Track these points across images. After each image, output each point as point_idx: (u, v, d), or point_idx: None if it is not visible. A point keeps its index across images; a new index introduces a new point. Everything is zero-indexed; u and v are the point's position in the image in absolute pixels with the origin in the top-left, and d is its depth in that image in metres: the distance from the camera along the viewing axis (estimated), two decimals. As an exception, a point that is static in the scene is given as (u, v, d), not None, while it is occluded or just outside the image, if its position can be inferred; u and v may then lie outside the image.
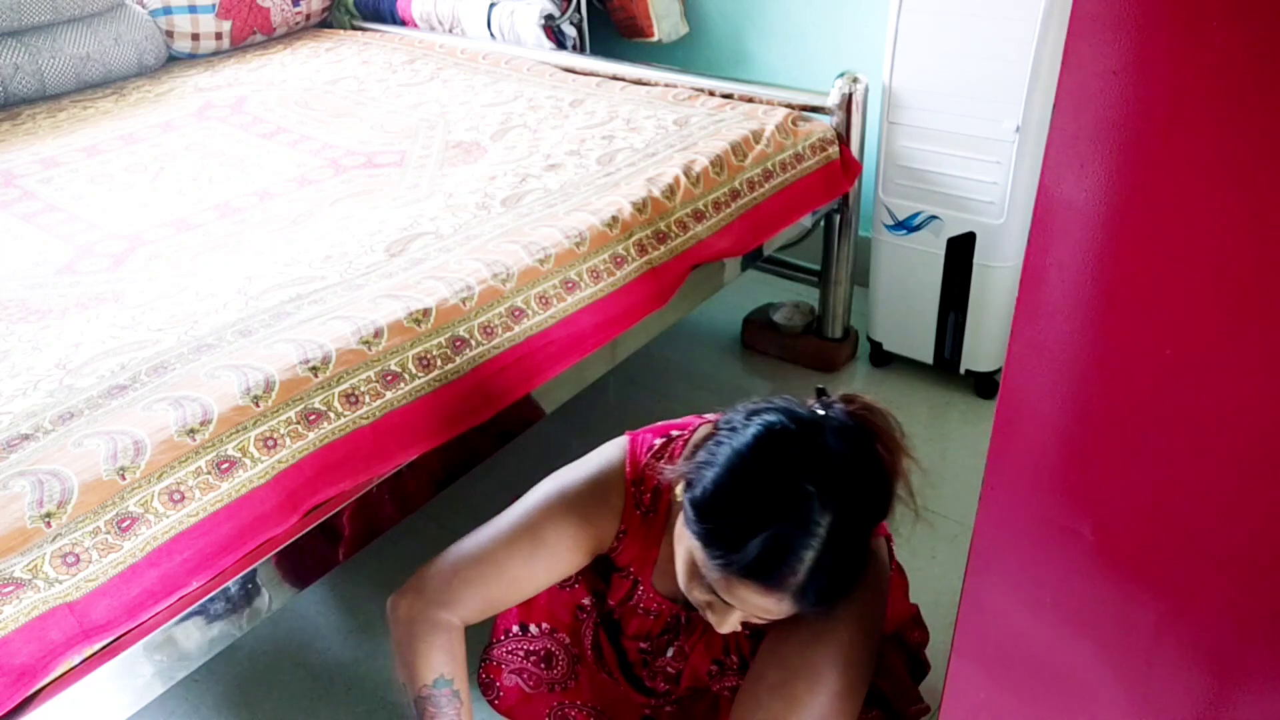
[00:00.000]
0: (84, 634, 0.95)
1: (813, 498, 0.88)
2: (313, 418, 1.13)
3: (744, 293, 2.44)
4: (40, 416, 1.09)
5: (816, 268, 2.19)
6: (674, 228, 1.59)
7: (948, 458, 1.91)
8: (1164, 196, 0.54)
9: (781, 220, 1.81)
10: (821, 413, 0.95)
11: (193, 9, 2.50)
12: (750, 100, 1.99)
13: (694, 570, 0.96)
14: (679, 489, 0.99)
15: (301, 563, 1.15)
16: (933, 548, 1.67)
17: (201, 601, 1.04)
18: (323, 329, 1.22)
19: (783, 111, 1.90)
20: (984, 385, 2.05)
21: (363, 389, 1.18)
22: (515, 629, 1.23)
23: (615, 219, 1.51)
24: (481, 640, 1.27)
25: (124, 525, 0.98)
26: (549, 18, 2.35)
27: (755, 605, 0.92)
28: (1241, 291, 0.53)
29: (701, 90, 2.06)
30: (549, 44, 2.37)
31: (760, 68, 2.52)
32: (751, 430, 0.93)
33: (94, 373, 1.17)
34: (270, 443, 1.09)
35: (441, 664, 1.08)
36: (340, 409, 1.15)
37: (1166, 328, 0.56)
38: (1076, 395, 0.63)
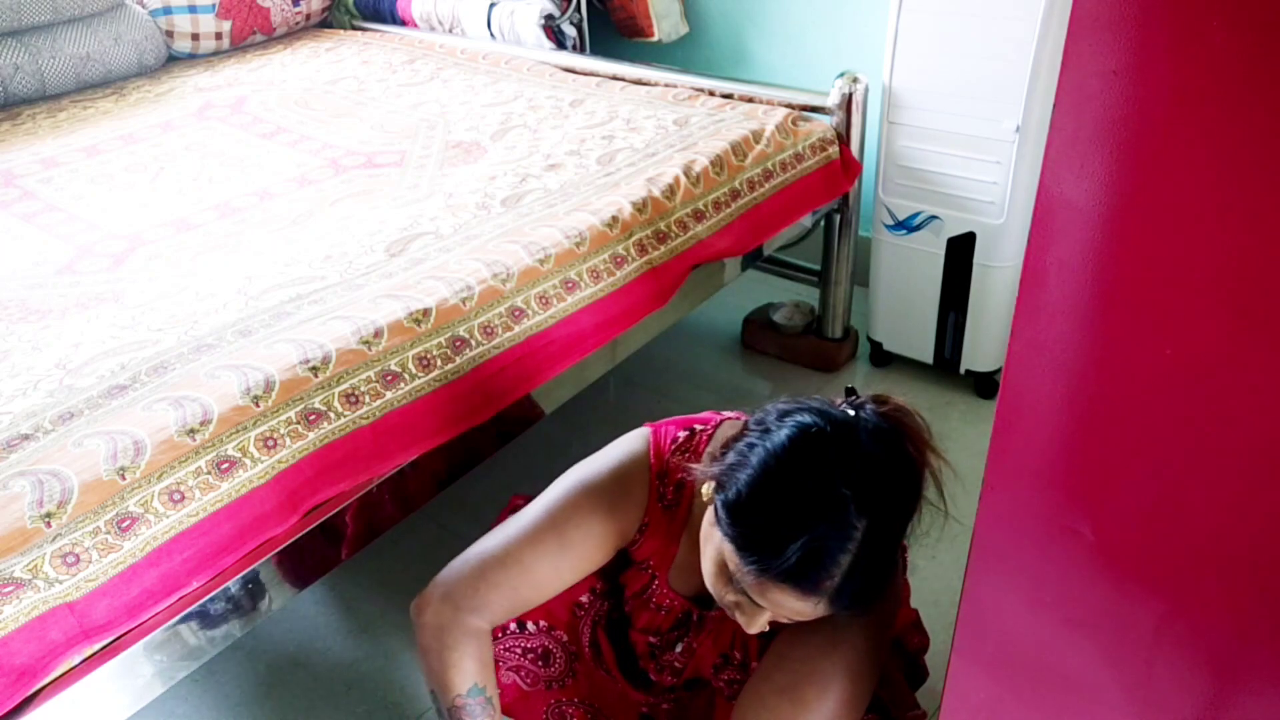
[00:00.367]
0: (84, 634, 0.95)
1: (849, 501, 0.87)
2: (313, 418, 1.13)
3: (744, 293, 2.44)
4: (40, 416, 1.09)
5: (816, 268, 2.19)
6: (674, 228, 1.59)
7: (948, 457, 1.91)
8: (1164, 196, 0.54)
9: (781, 220, 1.81)
10: (853, 414, 0.94)
11: (193, 9, 2.50)
12: (750, 100, 1.99)
13: (723, 571, 0.95)
14: (707, 488, 0.98)
15: (302, 563, 1.15)
16: (933, 548, 1.67)
17: (201, 601, 1.04)
18: (323, 329, 1.22)
19: (783, 111, 1.90)
20: (984, 385, 2.05)
21: (363, 389, 1.18)
22: (513, 627, 1.23)
23: (615, 219, 1.51)
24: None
25: (124, 525, 0.98)
26: (549, 18, 2.35)
27: (790, 608, 0.91)
28: (1241, 291, 0.53)
29: (701, 90, 2.06)
30: (549, 44, 2.37)
31: (760, 68, 2.52)
32: (785, 431, 0.91)
33: (94, 373, 1.17)
34: (270, 443, 1.09)
35: (475, 672, 1.06)
36: (340, 409, 1.15)
37: (1166, 328, 0.56)
38: (1076, 395, 0.63)
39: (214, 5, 2.52)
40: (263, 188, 1.73)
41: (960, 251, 1.90)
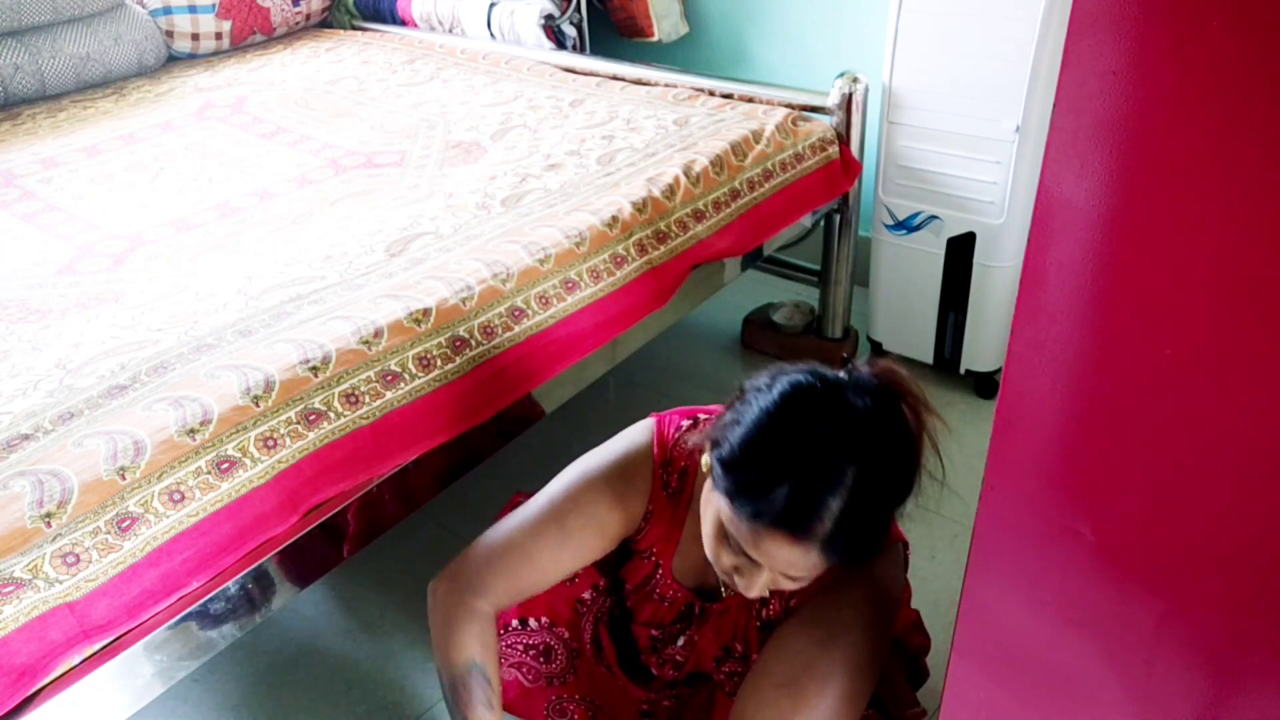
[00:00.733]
0: (84, 634, 0.95)
1: (837, 448, 0.90)
2: (313, 418, 1.13)
3: (744, 293, 2.45)
4: (40, 416, 1.09)
5: (816, 268, 2.19)
6: (674, 227, 1.59)
7: (948, 458, 1.91)
8: (1164, 196, 0.54)
9: (781, 220, 1.81)
10: (844, 374, 0.97)
11: (193, 9, 2.50)
12: (750, 100, 1.99)
13: (721, 533, 0.97)
14: (706, 460, 1.00)
15: (302, 563, 1.15)
16: (933, 548, 1.67)
17: (201, 601, 1.04)
18: (323, 329, 1.22)
19: (783, 111, 1.90)
20: (984, 385, 2.05)
21: (363, 389, 1.18)
22: (515, 623, 1.24)
23: (615, 219, 1.51)
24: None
25: (124, 525, 0.98)
26: (549, 18, 2.35)
27: (784, 559, 0.92)
28: (1241, 291, 0.53)
29: (701, 90, 2.06)
30: (549, 44, 2.37)
31: (760, 68, 2.52)
32: (777, 389, 0.95)
33: (94, 373, 1.17)
34: (270, 443, 1.09)
35: (474, 650, 1.09)
36: (340, 409, 1.15)
37: (1166, 328, 0.56)
38: (1076, 395, 0.63)
39: (214, 5, 2.52)
40: (263, 188, 1.73)
41: (960, 251, 1.90)
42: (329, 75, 2.35)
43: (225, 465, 1.05)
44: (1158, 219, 0.55)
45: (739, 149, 1.75)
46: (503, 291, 1.35)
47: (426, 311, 1.27)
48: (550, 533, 1.10)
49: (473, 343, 1.29)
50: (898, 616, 1.09)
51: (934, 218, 1.91)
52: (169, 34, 2.52)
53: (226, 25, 2.56)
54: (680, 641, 1.19)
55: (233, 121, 2.09)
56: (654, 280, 1.53)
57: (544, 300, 1.38)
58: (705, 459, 1.01)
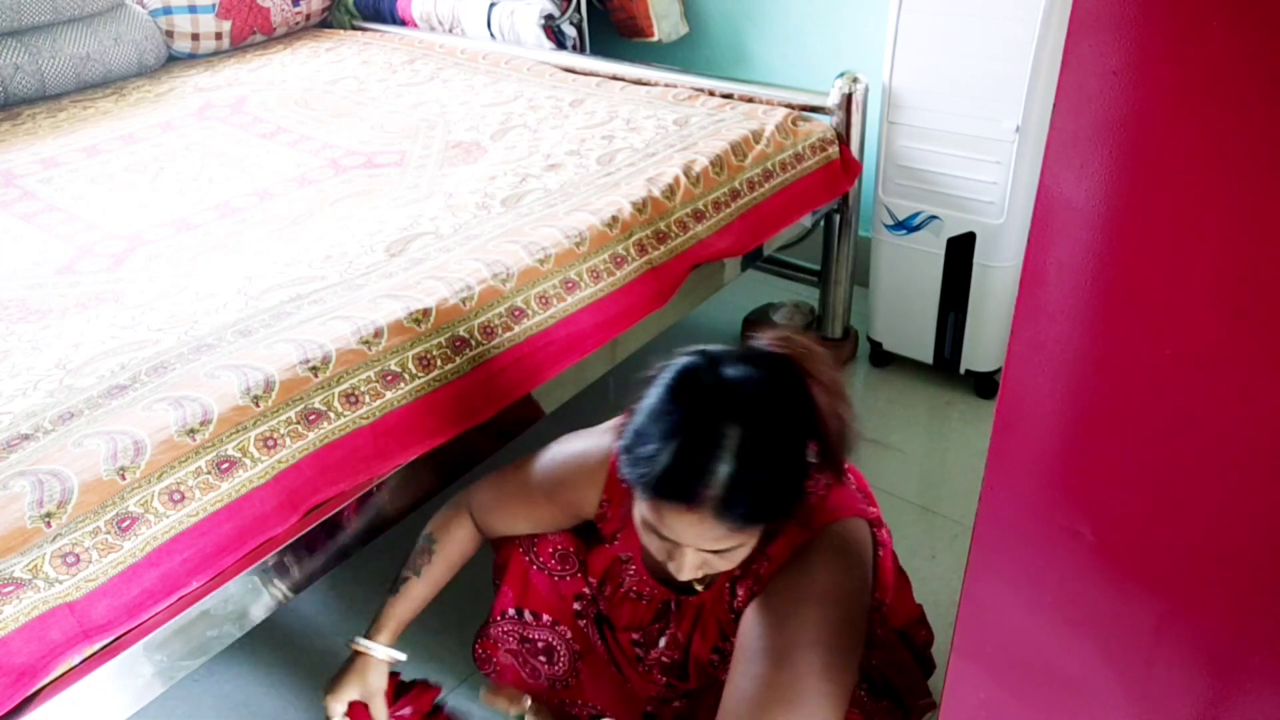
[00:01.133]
0: (84, 634, 0.95)
1: (719, 414, 0.92)
2: (313, 418, 1.13)
3: (744, 293, 2.44)
4: (40, 416, 1.09)
5: (816, 268, 2.19)
6: (674, 228, 1.59)
7: (948, 458, 1.91)
8: (1164, 196, 0.54)
9: (781, 220, 1.81)
10: (731, 349, 1.00)
11: (193, 9, 2.50)
12: (750, 100, 1.99)
13: (645, 521, 0.99)
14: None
15: (301, 563, 1.15)
16: (933, 548, 1.67)
17: (202, 601, 1.04)
18: (323, 329, 1.22)
19: (783, 111, 1.90)
20: (984, 385, 2.05)
21: (363, 389, 1.18)
22: (511, 611, 1.24)
23: (615, 219, 1.51)
24: (478, 626, 1.26)
25: (124, 525, 0.98)
26: (549, 18, 2.35)
27: (689, 531, 0.94)
28: (1241, 291, 0.53)
29: (701, 90, 2.06)
30: (549, 44, 2.37)
31: (760, 68, 2.52)
32: (664, 373, 0.99)
33: (94, 373, 1.17)
34: (270, 443, 1.09)
35: (437, 528, 1.26)
36: (340, 409, 1.15)
37: (1166, 328, 0.56)
38: (1076, 395, 0.63)
39: (214, 5, 2.52)
40: (263, 188, 1.73)
41: (960, 251, 1.90)
42: (329, 75, 2.35)
43: (225, 465, 1.05)
44: (1158, 219, 0.55)
45: (739, 149, 1.75)
46: (503, 291, 1.35)
47: (426, 311, 1.27)
48: (516, 499, 1.23)
49: (473, 343, 1.29)
50: (866, 585, 1.05)
51: (934, 218, 1.91)
52: (169, 34, 2.52)
53: (226, 25, 2.56)
54: (663, 642, 1.19)
55: (233, 121, 2.09)
56: (654, 280, 1.53)
57: (544, 300, 1.38)
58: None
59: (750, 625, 1.02)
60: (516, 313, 1.35)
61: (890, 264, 2.03)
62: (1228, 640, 0.63)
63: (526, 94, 2.11)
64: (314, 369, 1.15)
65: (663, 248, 1.56)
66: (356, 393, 1.17)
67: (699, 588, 1.14)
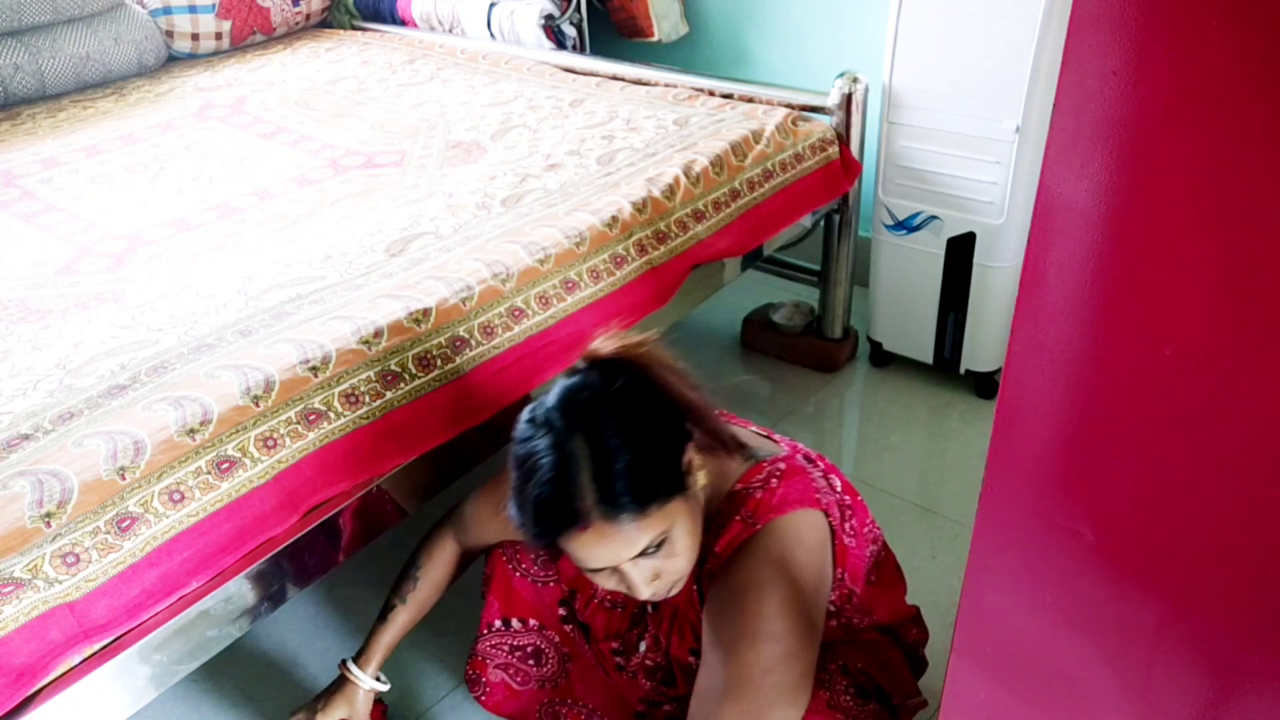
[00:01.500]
0: (84, 634, 0.95)
1: (553, 437, 0.94)
2: (313, 418, 1.13)
3: (744, 293, 2.44)
4: (40, 416, 1.09)
5: (816, 268, 2.19)
6: (674, 228, 1.59)
7: (948, 458, 1.91)
8: (1164, 196, 0.54)
9: (781, 220, 1.81)
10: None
11: (193, 9, 2.50)
12: (750, 100, 1.99)
13: (577, 567, 0.99)
14: None
15: (301, 563, 1.15)
16: (933, 548, 1.67)
17: (201, 601, 1.04)
18: (323, 329, 1.22)
19: (783, 111, 1.90)
20: (984, 385, 2.05)
21: (363, 389, 1.18)
22: (498, 623, 1.25)
23: (615, 219, 1.51)
24: (471, 641, 1.27)
25: (124, 525, 0.98)
26: (549, 18, 2.35)
27: (599, 551, 0.94)
28: (1241, 291, 0.53)
29: (701, 90, 2.06)
30: (549, 44, 2.37)
31: (760, 68, 2.52)
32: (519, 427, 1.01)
33: (94, 373, 1.17)
34: (270, 443, 1.09)
35: (423, 551, 1.30)
36: (340, 409, 1.15)
37: (1166, 328, 0.56)
38: (1076, 395, 0.63)
39: (214, 5, 2.52)
40: (263, 188, 1.73)
41: (960, 251, 1.90)
42: (329, 75, 2.35)
43: (225, 465, 1.05)
44: (1158, 219, 0.55)
45: (739, 149, 1.75)
46: (503, 291, 1.35)
47: (426, 311, 1.27)
48: (489, 508, 1.24)
49: (473, 343, 1.29)
50: (805, 572, 1.02)
51: (934, 218, 1.91)
52: (169, 34, 2.52)
53: (226, 25, 2.56)
54: (643, 647, 1.19)
55: (233, 121, 2.09)
56: (654, 280, 1.53)
57: (544, 300, 1.38)
58: None
59: (705, 624, 1.03)
60: (516, 313, 1.35)
61: (890, 264, 2.03)
62: (1228, 640, 0.63)
63: (526, 94, 2.11)
64: (314, 369, 1.15)
65: (663, 248, 1.56)
66: (356, 393, 1.17)
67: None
